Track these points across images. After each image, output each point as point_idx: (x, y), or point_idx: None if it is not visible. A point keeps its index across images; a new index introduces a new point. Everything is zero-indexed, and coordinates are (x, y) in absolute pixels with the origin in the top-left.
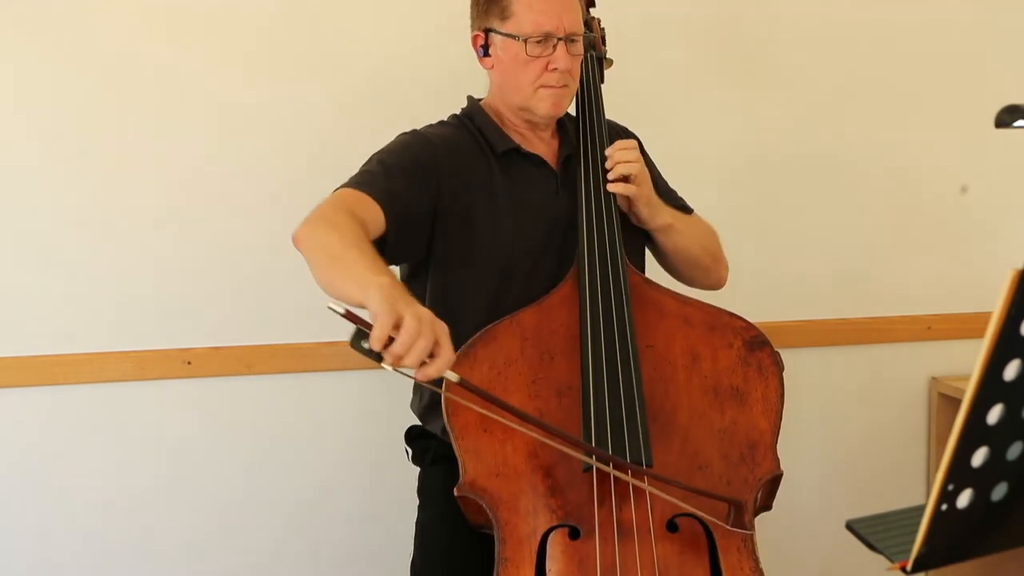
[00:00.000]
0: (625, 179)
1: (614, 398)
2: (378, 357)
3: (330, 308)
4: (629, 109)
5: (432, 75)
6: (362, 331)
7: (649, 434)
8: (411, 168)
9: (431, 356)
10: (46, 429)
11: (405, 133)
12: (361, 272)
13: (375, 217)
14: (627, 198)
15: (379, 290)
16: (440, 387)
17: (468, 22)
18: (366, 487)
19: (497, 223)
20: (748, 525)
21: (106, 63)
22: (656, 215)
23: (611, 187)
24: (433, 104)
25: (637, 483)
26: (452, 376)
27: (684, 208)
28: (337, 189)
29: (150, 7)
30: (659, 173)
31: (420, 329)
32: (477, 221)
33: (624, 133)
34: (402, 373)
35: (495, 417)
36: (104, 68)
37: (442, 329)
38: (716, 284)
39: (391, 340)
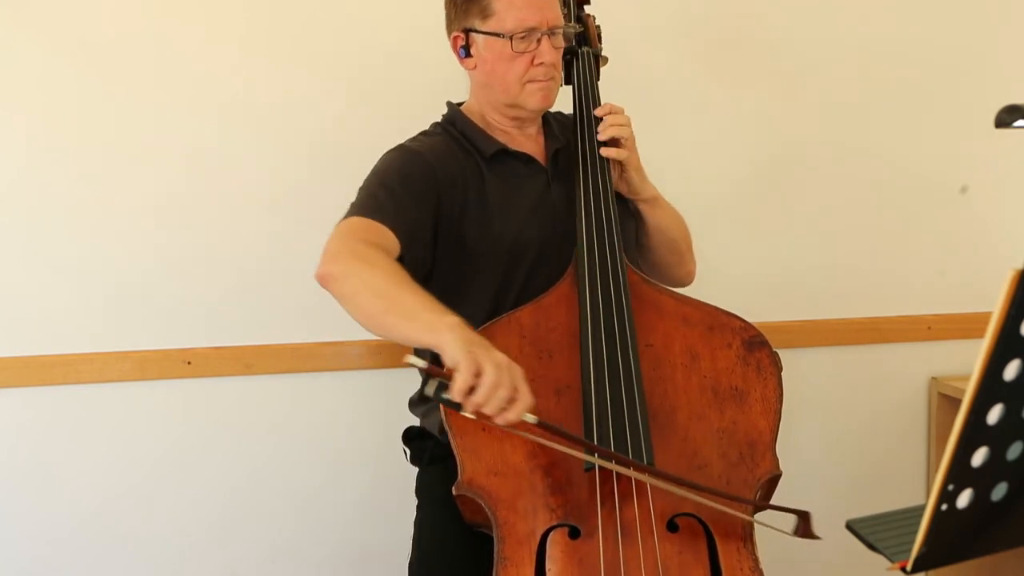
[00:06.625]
0: (617, 144)
1: (615, 397)
2: (458, 406)
3: (409, 362)
4: (627, 106)
5: (435, 72)
6: (443, 383)
7: (650, 433)
8: (414, 189)
9: (510, 401)
10: (46, 429)
11: (393, 150)
12: (427, 317)
13: (392, 245)
14: (619, 165)
15: (452, 335)
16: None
17: None
18: (365, 487)
19: (491, 224)
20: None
21: (105, 61)
22: (645, 184)
23: (604, 151)
24: (439, 102)
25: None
26: (530, 418)
27: None
28: (345, 218)
29: (149, 4)
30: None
31: (500, 378)
32: (472, 225)
33: None
34: (481, 417)
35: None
36: (103, 66)
37: (519, 374)
38: (686, 277)
39: (471, 388)
